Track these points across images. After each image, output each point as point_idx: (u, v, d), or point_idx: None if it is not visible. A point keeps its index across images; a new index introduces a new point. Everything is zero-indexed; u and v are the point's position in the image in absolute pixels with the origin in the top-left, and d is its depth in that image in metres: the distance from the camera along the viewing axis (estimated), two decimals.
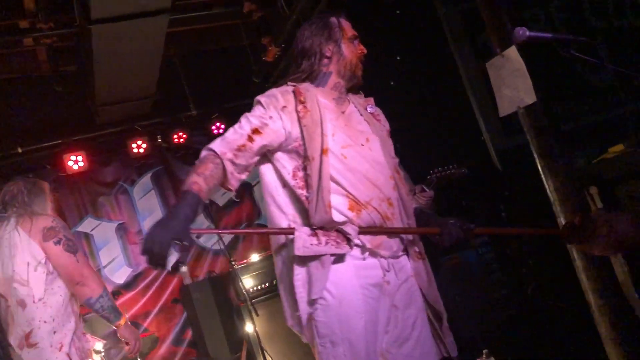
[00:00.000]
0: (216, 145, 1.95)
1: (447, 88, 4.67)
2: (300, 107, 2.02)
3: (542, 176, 3.14)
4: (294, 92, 2.06)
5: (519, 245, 4.46)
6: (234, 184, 1.96)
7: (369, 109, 2.21)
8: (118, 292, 5.80)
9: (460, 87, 4.42)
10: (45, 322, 2.66)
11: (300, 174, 1.99)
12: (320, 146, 1.96)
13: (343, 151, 2.00)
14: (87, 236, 5.89)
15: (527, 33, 2.06)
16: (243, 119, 2.02)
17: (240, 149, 1.94)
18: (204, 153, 1.96)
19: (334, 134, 2.01)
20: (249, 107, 2.10)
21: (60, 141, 5.70)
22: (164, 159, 6.29)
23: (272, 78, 5.63)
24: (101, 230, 5.93)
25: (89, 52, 4.48)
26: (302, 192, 1.97)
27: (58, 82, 5.35)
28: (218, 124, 6.08)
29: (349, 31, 2.16)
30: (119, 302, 5.37)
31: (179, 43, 5.69)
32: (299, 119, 2.00)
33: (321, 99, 2.07)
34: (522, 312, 4.26)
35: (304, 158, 1.98)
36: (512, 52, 3.11)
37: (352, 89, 2.22)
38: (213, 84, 6.07)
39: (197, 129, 6.17)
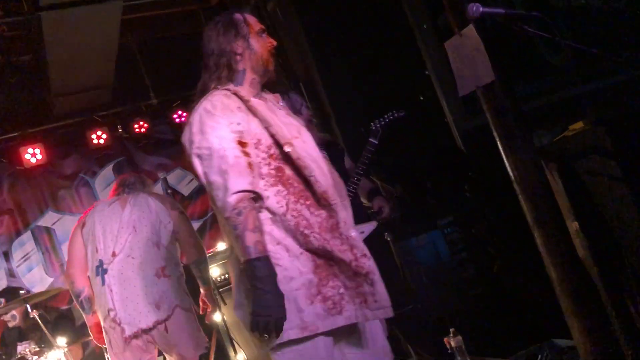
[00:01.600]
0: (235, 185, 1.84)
1: (409, 70, 4.66)
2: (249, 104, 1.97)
3: (503, 155, 3.15)
4: (234, 94, 1.98)
5: (484, 224, 4.50)
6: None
7: (280, 104, 2.15)
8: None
9: (422, 69, 4.41)
10: (170, 260, 3.33)
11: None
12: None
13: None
14: (48, 230, 5.75)
15: (481, 9, 2.05)
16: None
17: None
18: (235, 203, 1.81)
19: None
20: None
21: (16, 134, 5.54)
22: (125, 150, 6.16)
23: None
24: (63, 224, 5.77)
25: (40, 41, 4.34)
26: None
27: (12, 72, 5.18)
28: (180, 112, 5.98)
29: (256, 25, 2.10)
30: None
31: (137, 30, 5.56)
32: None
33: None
34: (489, 291, 4.30)
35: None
36: (470, 31, 3.08)
37: (265, 86, 2.15)
38: (173, 72, 5.94)
39: (159, 117, 6.08)
